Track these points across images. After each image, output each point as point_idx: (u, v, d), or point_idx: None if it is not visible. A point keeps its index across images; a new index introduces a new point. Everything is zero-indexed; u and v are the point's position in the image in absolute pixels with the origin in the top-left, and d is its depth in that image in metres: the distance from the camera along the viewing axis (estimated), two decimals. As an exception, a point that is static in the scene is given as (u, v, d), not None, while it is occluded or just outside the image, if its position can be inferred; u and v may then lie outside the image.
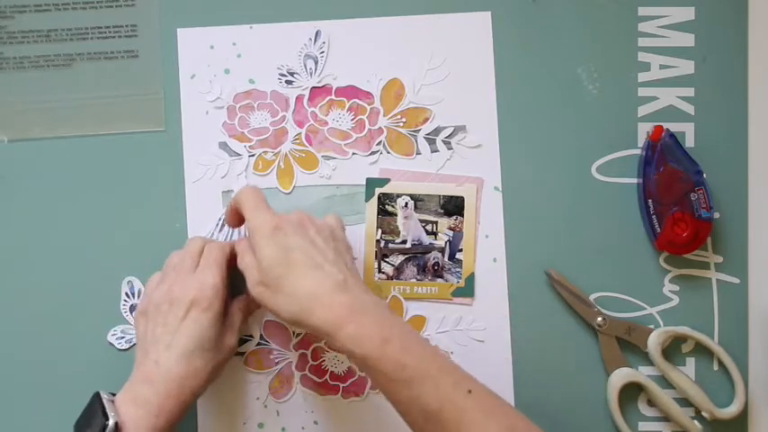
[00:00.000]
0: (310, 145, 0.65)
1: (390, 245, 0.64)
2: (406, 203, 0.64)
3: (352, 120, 0.65)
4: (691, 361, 0.64)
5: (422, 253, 0.65)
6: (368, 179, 0.65)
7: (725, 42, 0.65)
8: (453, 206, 0.64)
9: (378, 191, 0.64)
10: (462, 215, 0.64)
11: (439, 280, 0.64)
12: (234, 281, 0.61)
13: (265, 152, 0.65)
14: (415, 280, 0.64)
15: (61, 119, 0.65)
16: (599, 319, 0.63)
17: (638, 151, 0.64)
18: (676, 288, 0.64)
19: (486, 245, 0.64)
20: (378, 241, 0.64)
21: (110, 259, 0.64)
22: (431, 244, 0.64)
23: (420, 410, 0.51)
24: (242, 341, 0.64)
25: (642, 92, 0.65)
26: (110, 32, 0.65)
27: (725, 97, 0.64)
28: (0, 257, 0.64)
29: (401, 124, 0.65)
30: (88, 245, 0.64)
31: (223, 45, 0.65)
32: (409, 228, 0.64)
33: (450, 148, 0.64)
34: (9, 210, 0.65)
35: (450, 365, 0.53)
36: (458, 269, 0.64)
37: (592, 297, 0.64)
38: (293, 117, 0.65)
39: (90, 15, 0.65)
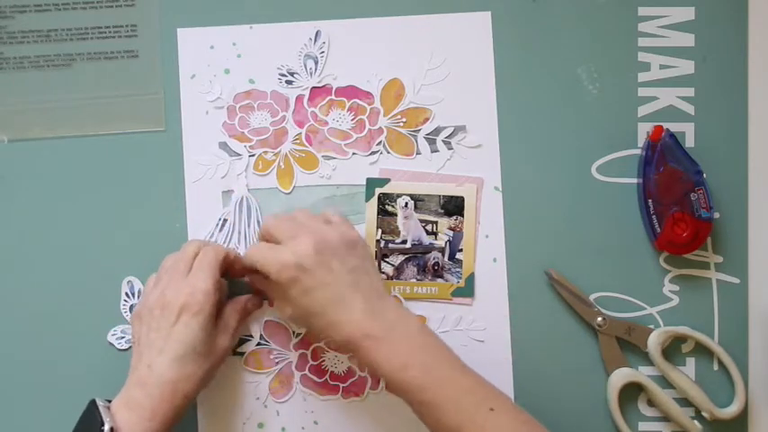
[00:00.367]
0: (310, 145, 0.65)
1: (390, 245, 0.64)
2: (406, 203, 0.64)
3: (353, 120, 0.65)
4: (691, 361, 0.64)
5: (422, 253, 0.64)
6: (368, 179, 0.65)
7: (725, 42, 0.65)
8: (453, 206, 0.64)
9: (378, 191, 0.64)
10: (462, 215, 0.64)
11: (439, 280, 0.64)
12: (232, 283, 0.61)
13: (265, 152, 0.64)
14: (415, 280, 0.64)
15: (61, 119, 0.65)
16: (599, 319, 0.63)
17: (638, 151, 0.64)
18: (676, 288, 0.64)
19: (486, 245, 0.64)
20: (378, 241, 0.64)
21: (110, 259, 0.64)
22: (431, 244, 0.64)
23: (441, 428, 0.53)
24: (242, 341, 0.64)
25: (642, 92, 0.65)
26: (110, 32, 0.65)
27: (725, 97, 0.64)
28: (0, 257, 0.64)
29: (401, 124, 0.65)
30: (88, 245, 0.64)
31: (223, 45, 0.65)
32: (409, 228, 0.64)
33: (450, 148, 0.64)
34: (9, 210, 0.65)
35: (476, 384, 0.54)
36: (458, 269, 0.64)
37: (592, 297, 0.64)
38: (293, 117, 0.65)
39: (90, 15, 0.65)
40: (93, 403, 0.55)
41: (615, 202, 0.64)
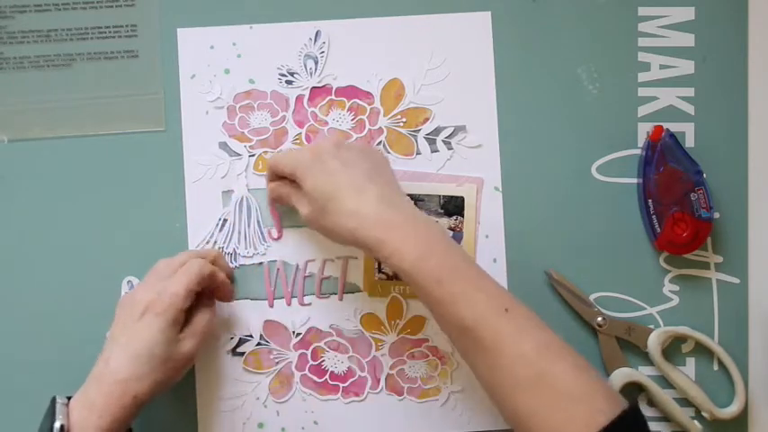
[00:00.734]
0: (310, 145, 0.65)
1: (390, 245, 0.64)
2: (406, 203, 0.64)
3: (353, 120, 0.65)
4: (691, 361, 0.64)
5: (422, 253, 0.64)
6: (368, 179, 0.64)
7: (725, 42, 0.65)
8: (453, 206, 0.64)
9: (378, 191, 0.64)
10: (462, 215, 0.64)
11: (439, 280, 0.64)
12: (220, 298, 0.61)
13: (265, 152, 0.64)
14: (415, 280, 0.64)
15: (61, 119, 0.65)
16: (599, 319, 0.63)
17: (638, 151, 0.64)
18: (676, 288, 0.64)
19: (486, 245, 0.64)
20: (378, 241, 0.64)
21: (110, 259, 0.64)
22: (431, 244, 0.64)
23: (455, 325, 0.52)
24: (242, 341, 0.64)
25: (642, 92, 0.65)
26: (110, 32, 0.65)
27: (725, 97, 0.65)
28: (0, 257, 0.64)
29: (401, 124, 0.65)
30: (88, 245, 0.64)
31: (223, 45, 0.65)
32: (409, 228, 0.64)
33: (450, 148, 0.64)
34: (9, 210, 0.65)
35: (490, 285, 0.54)
36: (458, 269, 0.64)
37: (592, 297, 0.64)
38: (293, 117, 0.65)
39: (90, 15, 0.65)
40: (52, 400, 0.55)
41: (615, 202, 0.64)
